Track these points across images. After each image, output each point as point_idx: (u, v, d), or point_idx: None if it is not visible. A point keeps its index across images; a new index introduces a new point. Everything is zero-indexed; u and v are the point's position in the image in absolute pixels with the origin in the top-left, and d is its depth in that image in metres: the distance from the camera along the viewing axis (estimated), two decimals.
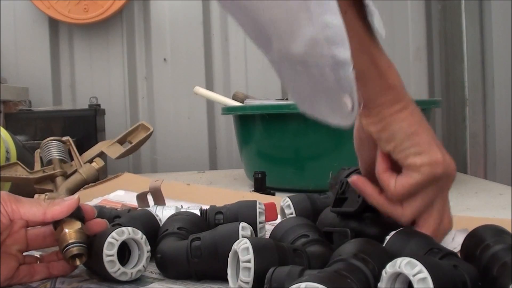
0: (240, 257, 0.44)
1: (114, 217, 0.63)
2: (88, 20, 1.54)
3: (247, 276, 0.44)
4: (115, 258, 0.49)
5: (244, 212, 0.62)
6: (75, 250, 0.49)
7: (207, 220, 0.62)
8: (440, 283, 0.36)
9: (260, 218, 0.61)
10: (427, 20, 1.61)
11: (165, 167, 1.61)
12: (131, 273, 0.50)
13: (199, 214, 0.62)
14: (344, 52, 0.42)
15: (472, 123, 1.45)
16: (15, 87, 1.50)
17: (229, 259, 0.47)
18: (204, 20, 1.61)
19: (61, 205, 0.50)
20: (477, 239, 0.47)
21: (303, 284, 0.36)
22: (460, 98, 1.49)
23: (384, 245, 0.49)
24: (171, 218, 0.59)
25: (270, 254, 0.45)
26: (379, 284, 0.39)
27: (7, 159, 0.97)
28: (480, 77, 1.43)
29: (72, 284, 0.51)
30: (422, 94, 1.61)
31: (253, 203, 0.63)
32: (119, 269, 0.49)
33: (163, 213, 0.64)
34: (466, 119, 1.46)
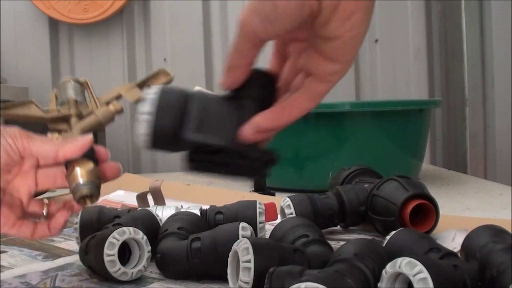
0: (240, 257, 0.44)
1: (114, 217, 0.63)
2: (88, 20, 1.54)
3: (247, 276, 0.44)
4: (115, 258, 0.49)
5: (244, 212, 0.62)
6: (85, 190, 0.47)
7: (207, 220, 0.62)
8: (440, 283, 0.36)
9: (260, 218, 0.61)
10: (427, 20, 1.61)
11: (165, 167, 1.61)
12: (132, 273, 0.50)
13: (199, 214, 0.62)
14: None
15: (472, 123, 1.45)
16: (15, 87, 1.50)
17: (229, 259, 0.47)
18: (204, 20, 1.61)
19: (74, 144, 0.47)
20: (477, 239, 0.47)
21: (303, 284, 0.36)
22: (460, 98, 1.49)
23: (384, 245, 0.49)
24: (171, 218, 0.59)
25: (270, 254, 0.45)
26: (379, 284, 0.40)
27: None
28: (480, 77, 1.43)
29: (72, 283, 0.51)
30: (422, 94, 1.61)
31: (253, 203, 0.63)
32: (119, 269, 0.49)
33: (163, 213, 0.64)
34: (466, 119, 1.46)
